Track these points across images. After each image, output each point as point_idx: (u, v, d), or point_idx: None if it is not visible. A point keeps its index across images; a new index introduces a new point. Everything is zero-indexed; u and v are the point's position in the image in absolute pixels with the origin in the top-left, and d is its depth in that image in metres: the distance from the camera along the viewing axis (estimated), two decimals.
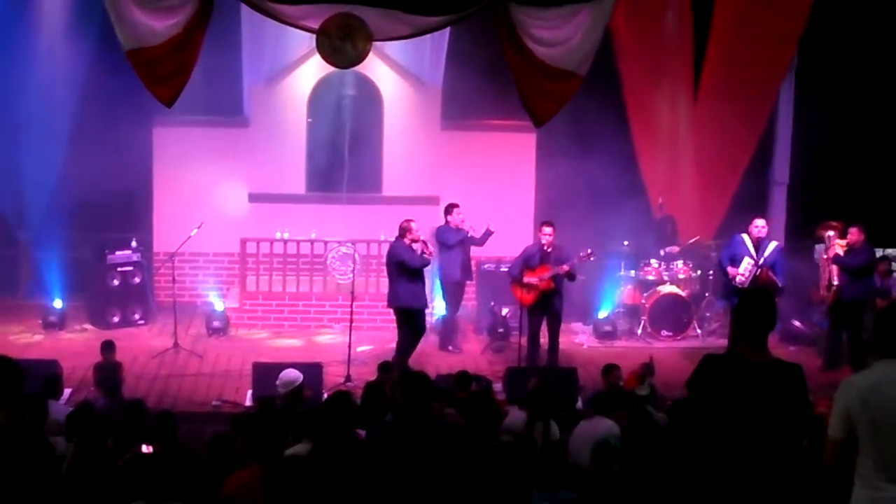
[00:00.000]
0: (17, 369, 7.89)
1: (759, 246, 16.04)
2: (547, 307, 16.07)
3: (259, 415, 11.60)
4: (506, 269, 16.95)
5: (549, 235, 15.92)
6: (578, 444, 10.85)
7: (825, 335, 16.81)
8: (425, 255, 15.73)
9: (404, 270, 15.65)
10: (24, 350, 16.29)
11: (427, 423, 8.49)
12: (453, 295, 17.38)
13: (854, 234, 16.14)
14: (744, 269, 15.97)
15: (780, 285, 15.85)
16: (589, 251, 16.38)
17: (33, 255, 19.26)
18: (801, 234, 18.03)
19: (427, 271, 16.22)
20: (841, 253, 16.05)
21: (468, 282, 17.71)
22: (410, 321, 15.88)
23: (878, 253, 18.00)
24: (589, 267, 18.03)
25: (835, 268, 16.08)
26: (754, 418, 6.78)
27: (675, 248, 18.54)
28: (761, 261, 15.94)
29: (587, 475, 9.90)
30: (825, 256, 16.29)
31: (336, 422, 8.35)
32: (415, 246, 15.69)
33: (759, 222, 16.19)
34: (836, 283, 16.07)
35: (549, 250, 15.95)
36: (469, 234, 17.25)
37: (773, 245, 16.20)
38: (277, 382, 12.62)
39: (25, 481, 7.58)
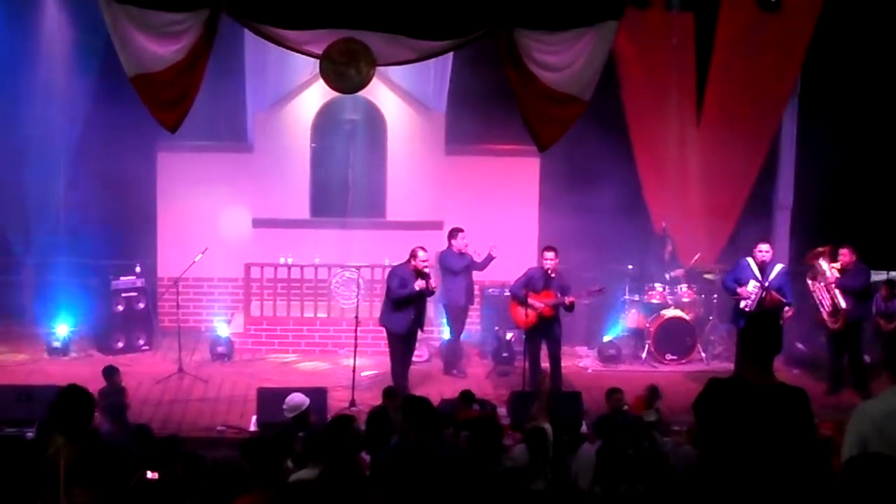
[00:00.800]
0: (90, 401, 8.11)
1: (763, 270, 16.03)
2: (546, 332, 16.08)
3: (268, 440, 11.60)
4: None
5: (552, 260, 15.92)
6: (581, 466, 10.86)
7: (828, 360, 16.75)
8: (422, 287, 15.68)
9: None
10: (28, 376, 16.30)
11: (430, 448, 8.48)
12: (457, 319, 17.39)
13: (846, 255, 16.15)
14: (750, 292, 15.97)
15: (786, 301, 15.83)
16: (599, 287, 16.44)
17: (38, 280, 19.26)
18: (805, 257, 17.99)
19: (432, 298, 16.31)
20: (838, 276, 16.04)
21: (470, 306, 17.74)
22: (391, 343, 15.95)
23: (882, 276, 18.04)
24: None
25: (838, 291, 16.05)
26: (759, 442, 6.78)
27: (680, 271, 18.51)
28: (766, 283, 15.94)
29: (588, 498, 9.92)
30: (822, 284, 16.22)
31: (339, 446, 8.35)
32: (418, 282, 15.66)
33: (764, 247, 16.18)
34: (844, 306, 16.03)
35: (553, 276, 15.97)
36: (472, 259, 17.27)
37: (778, 268, 16.19)
38: (284, 407, 12.65)
39: None
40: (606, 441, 11.00)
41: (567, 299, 15.86)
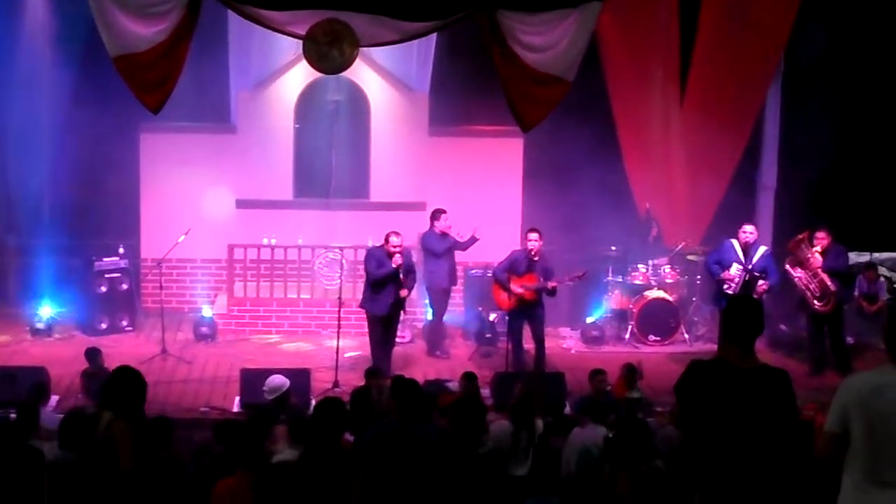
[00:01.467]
0: (142, 382, 8.61)
1: (747, 252, 16.05)
2: (529, 314, 16.10)
3: (248, 423, 11.60)
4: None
5: (536, 242, 15.93)
6: (572, 451, 10.88)
7: (810, 341, 16.78)
8: (398, 264, 15.60)
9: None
10: (10, 357, 16.27)
11: (414, 428, 8.49)
12: (440, 301, 17.39)
13: (823, 237, 16.12)
14: (733, 275, 15.98)
15: (771, 281, 15.87)
16: (582, 272, 16.43)
17: (21, 262, 19.21)
18: (789, 238, 18.02)
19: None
20: (820, 258, 16.05)
21: (453, 287, 17.75)
22: (371, 326, 15.98)
23: (865, 257, 18.09)
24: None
25: (825, 276, 16.05)
26: (741, 424, 6.79)
27: (664, 260, 18.51)
28: (750, 266, 15.96)
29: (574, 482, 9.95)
30: (808, 272, 16.18)
31: (328, 428, 8.36)
32: (395, 258, 15.62)
33: (748, 228, 16.20)
34: (834, 289, 16.05)
35: (536, 258, 15.97)
36: (454, 241, 17.25)
37: (762, 250, 16.21)
38: (264, 388, 12.66)
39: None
40: (623, 421, 10.96)
41: (549, 284, 15.87)
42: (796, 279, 16.27)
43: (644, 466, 9.52)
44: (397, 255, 15.51)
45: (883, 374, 6.56)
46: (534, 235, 15.98)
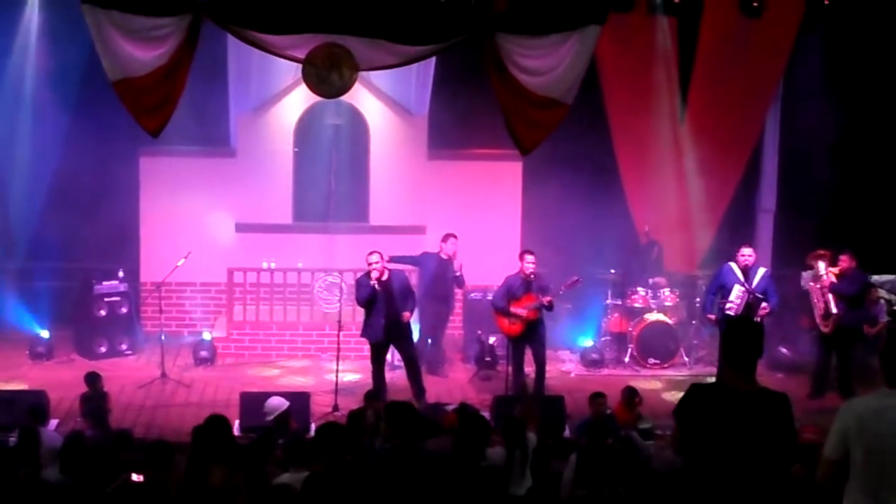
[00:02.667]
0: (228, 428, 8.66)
1: (747, 274, 16.04)
2: (531, 337, 16.08)
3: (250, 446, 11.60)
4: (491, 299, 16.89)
5: (532, 264, 15.92)
6: (571, 472, 10.87)
7: (815, 362, 16.73)
8: (375, 280, 15.43)
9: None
10: (10, 380, 16.28)
11: (414, 452, 8.48)
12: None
13: (845, 261, 16.10)
14: (735, 297, 15.97)
15: (771, 303, 15.88)
16: (576, 278, 16.37)
17: (20, 285, 19.20)
18: (788, 261, 18.04)
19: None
20: (835, 280, 16.03)
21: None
22: (371, 351, 15.91)
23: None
24: (576, 295, 18.10)
25: (831, 296, 16.04)
26: (740, 448, 6.77)
27: (663, 280, 18.52)
28: (751, 288, 15.95)
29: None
30: (818, 286, 16.19)
31: (330, 452, 8.35)
32: (373, 275, 15.52)
33: (746, 251, 16.19)
34: (835, 311, 16.02)
35: (532, 279, 15.97)
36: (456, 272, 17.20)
37: (761, 272, 16.19)
38: (264, 410, 12.69)
39: None
40: (588, 444, 11.02)
41: (545, 299, 15.84)
42: (811, 294, 16.27)
43: (606, 490, 9.54)
44: (374, 272, 15.43)
45: (881, 398, 6.57)
46: (530, 258, 15.93)
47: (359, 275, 15.97)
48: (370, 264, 15.42)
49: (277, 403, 12.72)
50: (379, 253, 15.53)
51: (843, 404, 6.79)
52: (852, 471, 6.48)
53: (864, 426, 6.45)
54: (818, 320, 16.22)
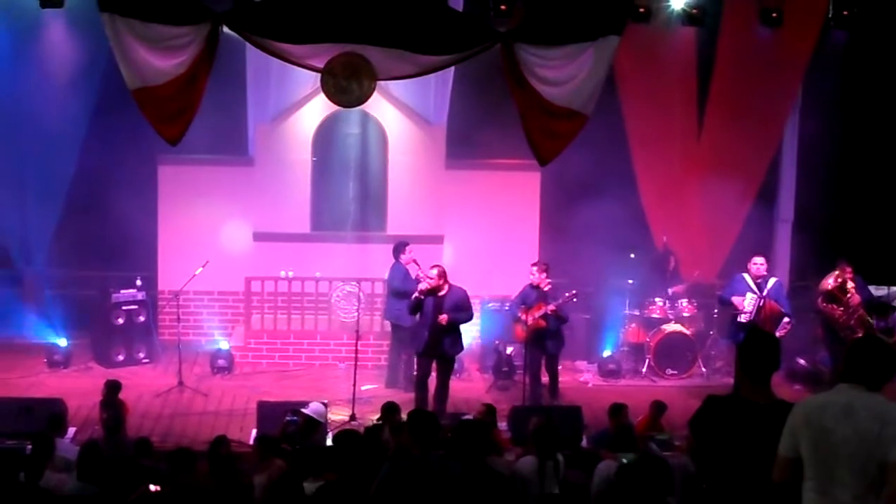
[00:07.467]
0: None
1: (759, 284, 16.05)
2: (542, 345, 16.16)
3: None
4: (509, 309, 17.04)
5: (537, 275, 16.12)
6: (602, 482, 10.81)
7: (833, 373, 16.66)
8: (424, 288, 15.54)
9: None
10: (28, 389, 16.28)
11: (435, 462, 8.47)
12: (403, 340, 17.39)
13: (850, 271, 16.14)
14: (748, 304, 15.98)
15: (784, 311, 15.87)
16: (573, 292, 16.36)
17: (38, 293, 19.25)
18: (807, 271, 17.99)
19: None
20: (858, 296, 16.06)
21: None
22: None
23: (883, 291, 18.02)
24: (593, 305, 18.12)
25: (863, 311, 16.04)
26: (756, 460, 6.75)
27: (681, 288, 18.51)
28: (764, 292, 15.96)
29: None
30: (848, 310, 16.13)
31: (347, 460, 8.36)
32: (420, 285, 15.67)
33: (758, 260, 16.23)
34: (876, 325, 16.04)
35: (547, 289, 16.05)
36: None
37: (772, 281, 16.26)
38: (307, 409, 12.83)
39: None
40: (642, 457, 10.88)
41: (548, 308, 15.93)
42: (836, 315, 16.18)
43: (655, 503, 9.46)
44: (423, 283, 15.55)
45: (829, 395, 6.54)
46: (534, 269, 16.30)
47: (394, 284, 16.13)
48: (426, 275, 15.56)
49: (318, 408, 12.90)
50: (439, 267, 15.58)
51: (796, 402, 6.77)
52: (805, 468, 6.45)
53: (809, 422, 6.42)
54: (852, 338, 16.10)
